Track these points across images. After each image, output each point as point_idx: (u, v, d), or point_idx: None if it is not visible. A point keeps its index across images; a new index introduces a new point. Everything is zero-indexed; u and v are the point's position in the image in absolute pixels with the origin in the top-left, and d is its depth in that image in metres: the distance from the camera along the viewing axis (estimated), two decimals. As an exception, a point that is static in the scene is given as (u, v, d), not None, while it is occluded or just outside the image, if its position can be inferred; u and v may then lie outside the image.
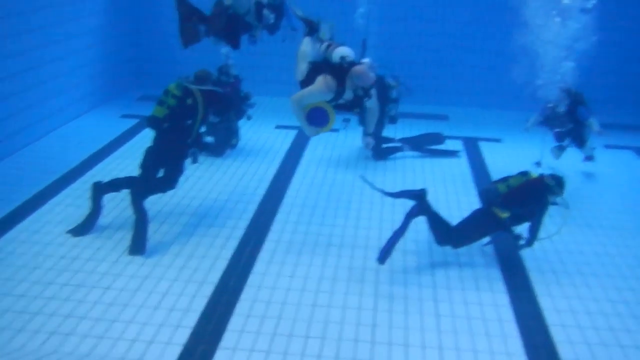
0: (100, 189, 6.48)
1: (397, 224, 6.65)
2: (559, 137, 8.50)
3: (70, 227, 6.44)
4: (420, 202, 6.02)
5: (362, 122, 9.01)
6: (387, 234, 6.52)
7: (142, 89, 11.85)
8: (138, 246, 6.09)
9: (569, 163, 8.80)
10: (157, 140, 6.36)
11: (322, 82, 6.08)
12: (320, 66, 6.30)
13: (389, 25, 11.48)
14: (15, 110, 8.50)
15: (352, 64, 6.12)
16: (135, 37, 12.11)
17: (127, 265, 5.82)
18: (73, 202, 7.10)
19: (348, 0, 11.20)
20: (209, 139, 8.86)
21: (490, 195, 6.04)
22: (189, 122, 6.34)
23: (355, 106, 6.33)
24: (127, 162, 8.29)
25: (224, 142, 8.85)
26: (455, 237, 6.01)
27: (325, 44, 6.42)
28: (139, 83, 12.08)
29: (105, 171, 7.96)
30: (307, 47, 6.66)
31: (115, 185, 6.55)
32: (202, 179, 7.95)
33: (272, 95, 11.97)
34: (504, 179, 6.16)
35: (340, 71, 6.07)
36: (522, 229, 6.11)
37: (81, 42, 10.29)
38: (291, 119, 10.69)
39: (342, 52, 6.21)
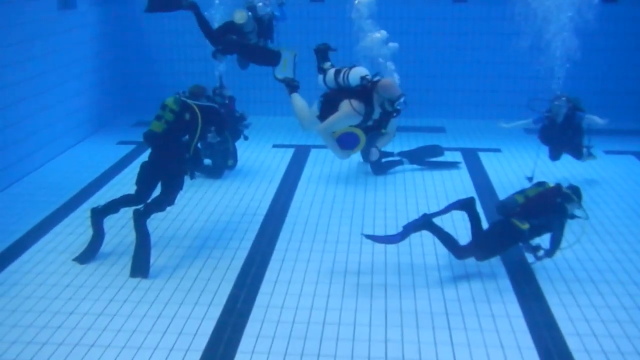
0: (98, 213, 6.38)
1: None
2: (553, 155, 8.45)
3: (74, 256, 6.37)
4: (467, 207, 6.11)
5: (364, 156, 9.05)
6: (392, 250, 6.53)
7: (136, 115, 11.80)
8: (140, 268, 6.02)
9: (571, 171, 8.81)
10: (153, 155, 6.29)
11: (348, 107, 6.01)
12: (336, 94, 6.19)
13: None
14: (11, 142, 8.45)
15: (375, 81, 6.02)
16: (125, 65, 12.10)
17: (133, 291, 5.74)
18: (74, 230, 7.03)
19: (342, 15, 11.25)
20: (207, 161, 8.83)
21: (508, 206, 5.98)
22: (186, 137, 6.29)
23: (382, 125, 6.25)
24: (127, 188, 8.16)
25: (222, 164, 8.80)
26: (480, 251, 5.94)
27: (332, 70, 6.35)
28: (132, 109, 12.05)
29: (105, 198, 7.83)
30: (299, 102, 6.83)
31: (112, 206, 6.44)
32: (202, 201, 7.89)
33: (268, 114, 11.98)
34: (521, 191, 6.13)
35: (364, 92, 5.96)
36: (540, 239, 6.08)
37: (73, 71, 10.26)
38: (287, 138, 10.73)
39: (361, 72, 6.13)
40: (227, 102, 8.80)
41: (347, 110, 6.04)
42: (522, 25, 10.89)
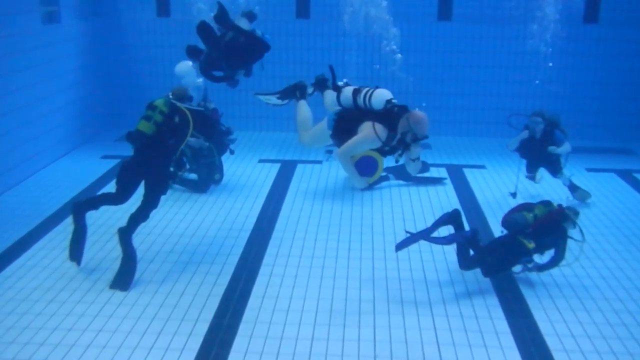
0: (80, 207, 6.34)
1: (390, 254, 6.66)
2: (530, 168, 8.52)
3: (58, 271, 6.29)
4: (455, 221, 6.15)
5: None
6: (380, 264, 6.54)
7: (120, 129, 11.69)
8: (121, 282, 5.96)
9: (554, 188, 8.88)
10: (138, 156, 6.23)
11: (371, 130, 5.73)
12: (354, 114, 5.94)
13: (371, 57, 11.55)
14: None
15: (404, 108, 5.74)
16: (108, 79, 12.04)
17: (118, 306, 5.66)
18: (58, 244, 6.93)
19: (335, 33, 11.33)
20: (192, 175, 8.80)
21: (518, 225, 6.01)
22: (172, 140, 6.28)
23: (396, 151, 5.96)
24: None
25: (208, 178, 8.76)
26: (486, 266, 5.98)
27: (349, 89, 6.03)
28: (116, 124, 11.97)
29: (89, 213, 7.78)
30: (305, 112, 6.64)
31: (93, 202, 6.42)
32: (188, 216, 7.84)
33: (253, 130, 11.97)
34: (529, 208, 6.16)
35: (389, 116, 5.71)
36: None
37: (56, 85, 10.18)
38: (273, 153, 10.72)
39: (386, 95, 5.83)
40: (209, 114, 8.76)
41: (369, 134, 5.74)
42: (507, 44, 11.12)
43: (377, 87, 5.96)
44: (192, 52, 8.43)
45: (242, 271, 6.39)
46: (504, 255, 6.00)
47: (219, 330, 5.31)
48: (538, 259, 6.17)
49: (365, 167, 5.89)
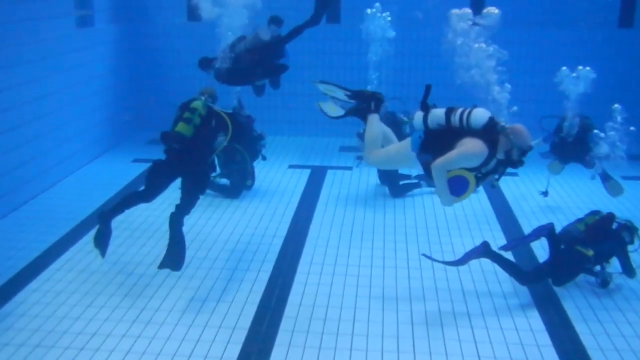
0: (106, 216, 6.34)
1: (425, 263, 6.61)
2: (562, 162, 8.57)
3: (94, 275, 6.33)
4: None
5: (382, 178, 8.92)
6: (416, 273, 6.48)
7: (149, 132, 11.75)
8: (174, 261, 5.91)
9: (589, 195, 8.77)
10: (174, 157, 6.26)
11: (475, 144, 5.35)
12: (447, 133, 5.57)
13: (401, 62, 11.50)
14: (27, 159, 8.39)
15: (503, 125, 5.46)
16: (140, 83, 12.11)
17: (155, 312, 5.65)
18: (94, 248, 6.93)
19: (358, 36, 11.26)
20: (224, 180, 8.81)
21: (572, 235, 6.19)
22: (207, 144, 6.40)
23: (495, 173, 5.62)
24: (144, 205, 8.15)
25: (240, 184, 8.76)
26: (556, 277, 6.15)
27: (440, 109, 5.65)
28: (147, 127, 12.01)
29: (123, 216, 7.77)
30: (379, 127, 6.10)
31: (120, 208, 6.40)
32: (221, 221, 7.84)
33: (282, 134, 11.95)
34: (579, 220, 6.36)
35: (488, 135, 5.40)
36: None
37: (89, 88, 10.26)
38: (303, 158, 10.68)
39: (486, 113, 5.54)
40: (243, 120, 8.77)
41: (475, 147, 5.33)
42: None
43: (474, 106, 5.71)
44: (204, 64, 8.40)
45: (277, 278, 6.36)
46: (567, 266, 6.13)
47: (256, 338, 5.29)
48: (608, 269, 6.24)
49: (455, 186, 5.49)
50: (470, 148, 5.36)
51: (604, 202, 8.52)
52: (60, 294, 5.98)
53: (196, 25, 11.79)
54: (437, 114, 5.67)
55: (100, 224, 6.34)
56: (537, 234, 6.37)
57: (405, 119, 9.08)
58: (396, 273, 6.51)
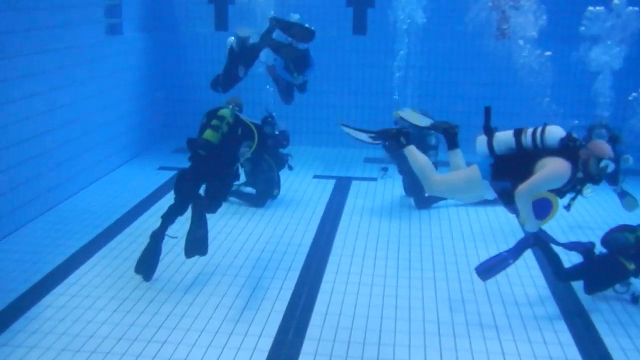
0: (158, 235, 6.34)
1: (452, 274, 6.56)
2: None
3: (122, 280, 6.35)
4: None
5: (407, 189, 8.91)
6: (442, 284, 6.43)
7: (176, 141, 11.84)
8: (199, 247, 6.05)
9: (611, 211, 8.66)
10: (200, 165, 6.31)
11: (560, 164, 5.10)
12: (517, 157, 5.29)
13: (428, 74, 11.47)
14: (57, 163, 8.47)
15: (582, 143, 5.26)
16: (166, 91, 12.21)
17: (181, 319, 5.65)
18: (119, 254, 6.99)
19: (387, 48, 11.29)
20: (249, 189, 8.83)
21: (620, 244, 6.01)
22: (233, 152, 6.45)
23: (574, 189, 5.39)
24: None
25: (266, 192, 8.77)
26: (590, 284, 6.07)
27: (507, 132, 5.36)
28: (171, 136, 12.12)
29: (148, 223, 7.84)
30: (422, 156, 5.77)
31: (166, 224, 6.40)
32: (246, 229, 7.84)
33: (307, 144, 11.95)
34: (631, 229, 6.12)
35: (567, 153, 5.16)
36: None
37: (117, 95, 10.35)
38: (328, 169, 10.67)
39: (561, 130, 5.28)
40: (277, 133, 8.81)
41: (559, 167, 5.04)
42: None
43: (545, 125, 5.27)
44: (215, 84, 8.77)
45: (303, 287, 6.34)
46: (602, 274, 6.02)
47: (282, 346, 5.26)
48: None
49: (539, 209, 5.32)
50: (555, 169, 5.08)
51: (623, 218, 8.41)
52: (86, 298, 6.00)
53: (223, 35, 11.88)
54: (504, 137, 5.35)
55: (152, 242, 6.36)
56: (573, 246, 6.27)
57: (431, 130, 9.05)
58: (422, 284, 6.46)
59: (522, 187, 5.14)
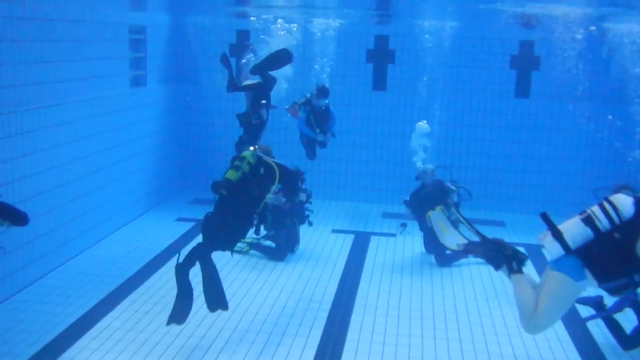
0: (182, 268, 6.17)
1: (477, 336, 6.46)
2: None
3: (140, 335, 6.27)
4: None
5: (427, 246, 8.85)
6: (469, 346, 6.31)
7: (193, 192, 11.89)
8: (218, 301, 6.13)
9: None
10: (223, 204, 6.27)
11: None
12: (599, 243, 4.52)
13: (447, 130, 11.52)
14: (77, 214, 8.46)
15: None
16: (185, 142, 12.28)
17: (205, 376, 5.58)
18: (140, 307, 6.92)
19: (404, 103, 11.38)
20: (269, 243, 8.79)
21: None
22: (256, 191, 6.37)
23: None
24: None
25: (286, 247, 8.72)
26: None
27: (575, 223, 4.63)
28: (189, 186, 12.15)
29: (167, 275, 7.77)
30: (529, 290, 4.67)
31: (191, 259, 6.25)
32: (267, 284, 7.77)
33: (324, 198, 11.92)
34: None
35: None
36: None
37: (137, 146, 10.41)
38: (346, 223, 10.62)
39: (626, 196, 4.67)
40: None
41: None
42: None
43: (606, 198, 4.61)
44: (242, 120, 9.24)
45: (327, 346, 6.24)
46: None
47: (308, 407, 5.16)
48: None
49: None
50: None
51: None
52: (108, 352, 5.92)
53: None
54: (577, 230, 4.61)
55: (179, 279, 6.16)
56: (619, 306, 6.16)
57: (452, 187, 9.06)
58: (448, 345, 6.35)
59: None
